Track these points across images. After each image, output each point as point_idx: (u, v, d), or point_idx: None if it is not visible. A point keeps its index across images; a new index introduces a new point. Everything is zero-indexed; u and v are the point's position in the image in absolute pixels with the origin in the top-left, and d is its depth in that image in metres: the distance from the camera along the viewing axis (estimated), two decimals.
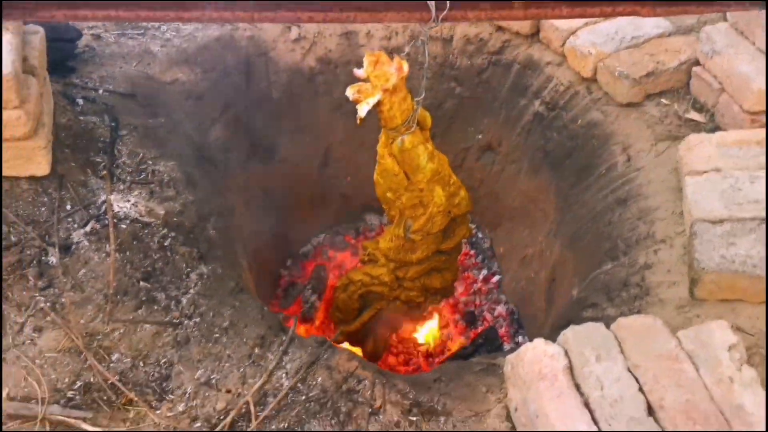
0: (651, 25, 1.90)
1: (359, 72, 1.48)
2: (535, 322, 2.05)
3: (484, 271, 2.34)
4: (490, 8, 1.36)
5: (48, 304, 1.24)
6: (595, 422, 1.05)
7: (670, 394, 1.06)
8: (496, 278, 2.31)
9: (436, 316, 2.20)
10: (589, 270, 1.75)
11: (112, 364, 1.20)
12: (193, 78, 1.86)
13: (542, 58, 2.05)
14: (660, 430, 1.03)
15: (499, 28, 2.12)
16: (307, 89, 2.17)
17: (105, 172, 1.47)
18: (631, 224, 1.66)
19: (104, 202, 1.42)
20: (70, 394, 1.13)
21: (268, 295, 2.21)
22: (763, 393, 1.06)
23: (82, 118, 1.55)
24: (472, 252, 2.38)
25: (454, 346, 2.12)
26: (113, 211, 1.40)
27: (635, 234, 1.62)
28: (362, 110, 1.48)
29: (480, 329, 2.17)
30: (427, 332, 2.15)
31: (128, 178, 1.50)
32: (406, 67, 1.46)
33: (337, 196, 2.43)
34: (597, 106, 1.90)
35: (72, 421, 1.09)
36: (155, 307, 1.31)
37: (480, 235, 2.40)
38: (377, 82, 1.48)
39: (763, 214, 1.35)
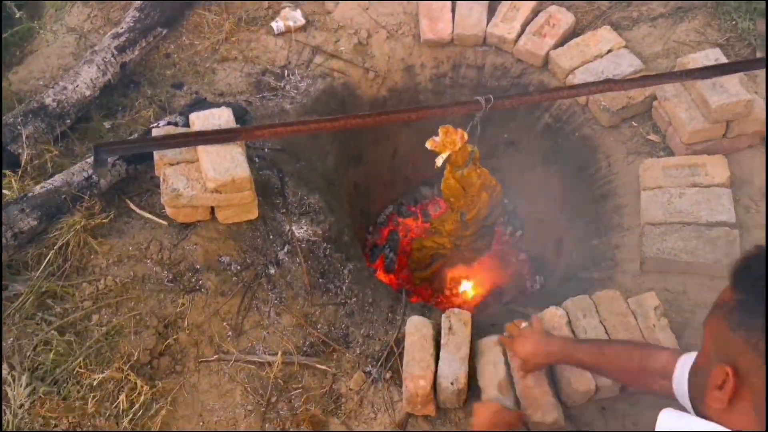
0: (626, 64, 2.71)
1: (436, 138, 2.35)
2: (548, 268, 3.03)
3: (510, 228, 3.30)
4: (517, 97, 2.23)
5: (277, 299, 2.22)
6: None
7: (621, 335, 2.04)
8: (519, 233, 3.27)
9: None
10: (583, 241, 2.69)
11: (318, 329, 2.19)
12: None
13: (550, 84, 2.86)
14: None
15: (519, 60, 2.93)
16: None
17: (284, 210, 2.40)
18: (609, 214, 2.57)
19: (289, 230, 2.36)
20: (304, 348, 2.13)
21: (362, 254, 3.19)
22: (672, 334, 2.02)
23: (261, 172, 2.46)
24: (503, 214, 3.32)
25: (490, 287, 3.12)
26: (296, 236, 2.35)
27: (612, 222, 2.54)
28: (439, 162, 2.37)
29: (510, 271, 3.16)
30: (468, 288, 3.13)
31: (296, 211, 2.42)
32: (465, 136, 2.33)
33: (400, 177, 3.34)
34: (588, 125, 2.75)
35: (310, 362, 2.10)
36: (331, 294, 2.28)
37: (507, 201, 3.33)
38: (447, 144, 2.37)
39: (686, 219, 2.27)
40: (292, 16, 2.89)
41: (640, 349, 1.60)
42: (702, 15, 2.90)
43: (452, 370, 1.97)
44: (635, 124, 2.66)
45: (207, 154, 2.07)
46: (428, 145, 2.36)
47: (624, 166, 2.60)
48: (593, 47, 2.78)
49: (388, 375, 2.10)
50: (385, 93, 2.98)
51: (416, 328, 2.09)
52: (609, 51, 2.76)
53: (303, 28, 2.92)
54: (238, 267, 2.23)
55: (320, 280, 2.30)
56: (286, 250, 2.32)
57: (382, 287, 2.40)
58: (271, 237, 2.33)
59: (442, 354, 2.03)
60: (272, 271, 2.26)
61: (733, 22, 2.82)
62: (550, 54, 2.83)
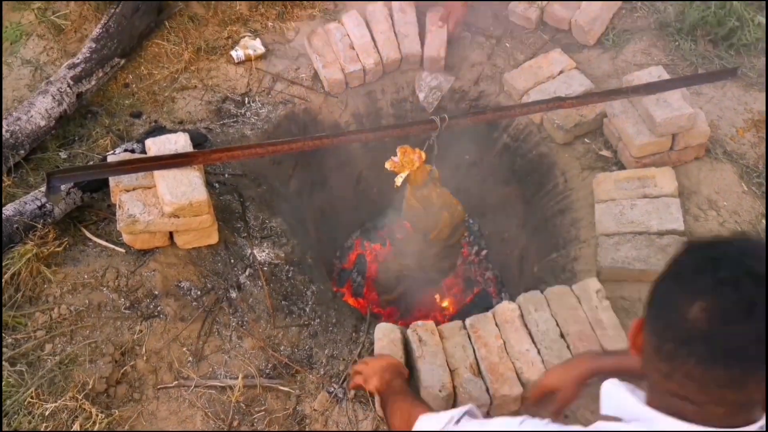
0: (577, 84, 2.79)
1: (394, 159, 2.39)
2: (512, 284, 3.06)
3: (476, 247, 3.33)
4: (472, 116, 2.28)
5: (239, 322, 2.20)
6: (535, 344, 2.04)
7: (571, 327, 2.04)
8: (484, 252, 3.30)
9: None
10: (543, 255, 2.73)
11: (281, 352, 2.18)
12: None
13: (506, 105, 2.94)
14: (567, 344, 2.03)
15: (476, 83, 3.00)
16: None
17: (245, 234, 2.40)
18: (566, 228, 2.62)
19: (251, 254, 2.36)
20: (267, 371, 2.11)
21: (328, 279, 3.19)
22: (613, 314, 2.05)
23: (221, 197, 2.46)
24: (466, 234, 3.36)
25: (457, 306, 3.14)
26: (258, 259, 2.35)
27: (569, 235, 2.59)
28: (398, 181, 2.40)
29: (476, 290, 3.18)
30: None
31: (258, 235, 2.43)
32: (423, 155, 2.38)
33: (367, 202, 3.37)
34: (544, 143, 2.82)
35: (273, 384, 2.08)
36: (294, 316, 2.28)
37: (471, 221, 3.37)
38: (406, 163, 2.40)
39: (637, 229, 2.33)
40: (251, 45, 2.94)
41: None
42: (648, 37, 3.01)
43: (437, 378, 1.96)
44: (588, 141, 2.74)
45: (163, 178, 2.07)
46: (387, 165, 2.40)
47: (579, 182, 2.66)
48: (545, 69, 2.87)
49: (352, 394, 2.09)
50: (347, 118, 3.02)
51: (384, 333, 2.09)
52: (561, 72, 2.85)
53: (263, 57, 2.97)
54: (199, 292, 2.22)
55: (283, 302, 2.30)
56: (247, 273, 2.31)
57: (346, 308, 2.40)
58: (232, 261, 2.32)
59: (421, 366, 2.00)
60: (233, 295, 2.25)
61: (676, 44, 2.94)
62: (504, 76, 2.91)
